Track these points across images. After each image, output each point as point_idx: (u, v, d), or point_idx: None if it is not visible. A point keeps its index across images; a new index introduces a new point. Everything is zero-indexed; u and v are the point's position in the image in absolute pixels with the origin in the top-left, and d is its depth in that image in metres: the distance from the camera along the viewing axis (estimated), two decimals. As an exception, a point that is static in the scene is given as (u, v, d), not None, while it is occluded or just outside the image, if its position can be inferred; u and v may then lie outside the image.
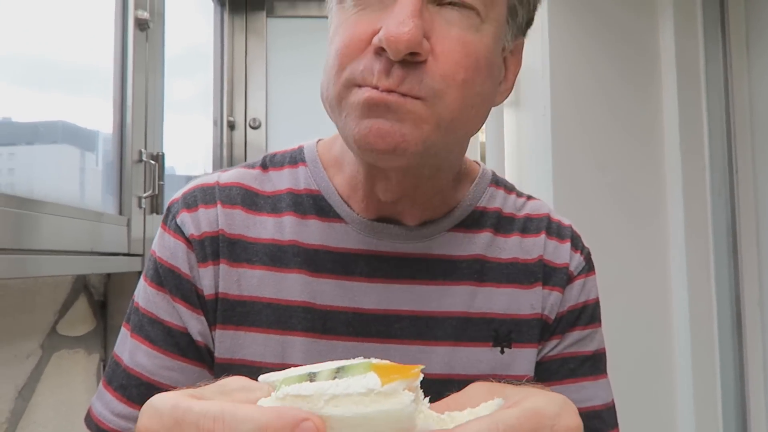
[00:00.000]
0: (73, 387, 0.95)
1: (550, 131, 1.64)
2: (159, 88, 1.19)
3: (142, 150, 1.11)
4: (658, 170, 1.72)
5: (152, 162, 1.12)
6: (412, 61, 0.46)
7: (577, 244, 0.62)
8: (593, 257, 0.64)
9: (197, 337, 0.55)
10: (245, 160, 1.93)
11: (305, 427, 0.26)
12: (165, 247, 0.57)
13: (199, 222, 0.56)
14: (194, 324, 0.55)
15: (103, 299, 1.07)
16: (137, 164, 1.10)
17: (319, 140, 0.63)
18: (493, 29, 0.49)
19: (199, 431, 0.27)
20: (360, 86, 0.47)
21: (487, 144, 1.84)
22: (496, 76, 0.53)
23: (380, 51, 0.46)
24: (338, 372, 0.29)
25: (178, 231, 0.56)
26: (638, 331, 1.66)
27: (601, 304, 0.63)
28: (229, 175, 0.60)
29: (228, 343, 0.54)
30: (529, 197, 0.65)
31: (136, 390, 0.54)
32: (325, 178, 0.59)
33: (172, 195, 0.61)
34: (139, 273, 0.60)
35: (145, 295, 0.56)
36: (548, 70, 1.64)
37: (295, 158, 0.62)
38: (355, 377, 0.28)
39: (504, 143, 1.83)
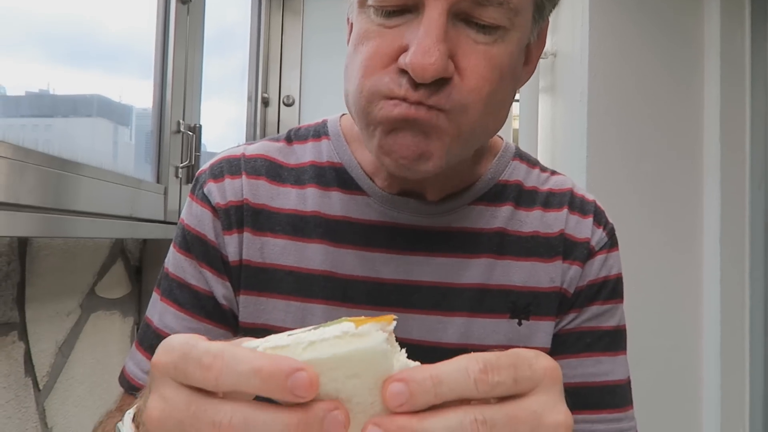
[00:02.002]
0: (109, 347, 0.99)
1: (585, 119, 1.61)
2: (198, 63, 1.21)
3: (180, 121, 1.13)
4: (696, 162, 1.68)
5: (189, 133, 1.15)
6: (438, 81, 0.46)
7: (600, 219, 0.62)
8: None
9: (222, 301, 0.57)
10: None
11: (298, 377, 0.26)
12: (192, 215, 0.59)
13: (225, 192, 0.58)
14: (219, 288, 0.57)
15: (138, 265, 1.11)
16: (175, 135, 1.12)
17: (343, 115, 0.64)
18: (519, 34, 0.49)
19: (200, 365, 0.28)
20: (387, 98, 0.47)
21: (520, 131, 1.82)
22: (519, 73, 0.53)
23: (406, 72, 0.46)
24: (315, 328, 0.30)
25: (205, 200, 0.58)
26: (668, 321, 1.64)
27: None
28: (254, 148, 0.62)
29: (251, 308, 0.57)
30: (553, 172, 0.65)
31: None
32: (347, 152, 0.60)
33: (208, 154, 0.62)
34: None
35: (174, 260, 0.59)
36: (586, 56, 1.61)
37: (318, 132, 0.63)
38: (330, 327, 0.29)
39: (538, 130, 1.81)
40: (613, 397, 0.59)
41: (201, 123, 1.19)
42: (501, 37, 0.47)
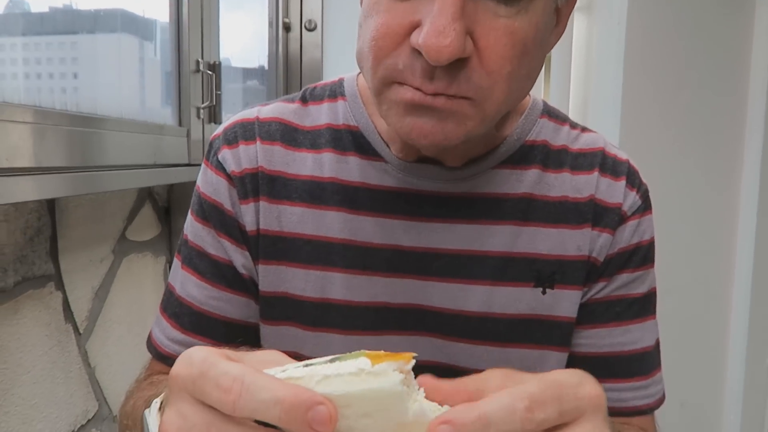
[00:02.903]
0: (143, 287, 1.03)
1: (623, 43, 1.52)
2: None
3: (199, 60, 1.11)
4: (741, 98, 1.59)
5: (209, 72, 1.12)
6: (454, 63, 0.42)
7: (633, 180, 0.59)
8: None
9: (242, 270, 0.57)
10: (300, 63, 1.90)
11: (319, 411, 0.26)
12: (208, 183, 0.58)
13: (240, 159, 0.57)
14: (239, 258, 0.57)
15: (166, 205, 1.13)
16: (195, 74, 1.10)
17: (360, 73, 0.61)
18: (543, 4, 0.45)
19: (218, 387, 0.28)
20: (401, 83, 0.45)
21: (553, 53, 1.74)
22: (548, 38, 0.49)
23: (419, 52, 0.42)
24: (332, 360, 0.29)
25: (220, 168, 0.57)
26: (698, 270, 1.63)
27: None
28: (268, 110, 0.60)
29: (271, 277, 0.57)
30: (584, 129, 0.61)
31: (188, 318, 0.57)
32: (364, 114, 0.58)
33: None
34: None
35: (192, 229, 0.59)
36: (627, -28, 1.50)
37: (334, 92, 0.61)
38: (347, 361, 0.28)
39: (572, 55, 1.72)
40: (641, 364, 0.58)
41: (220, 60, 1.17)
42: (524, 7, 0.43)
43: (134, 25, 1.05)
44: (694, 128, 1.58)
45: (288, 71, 1.86)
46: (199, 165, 1.16)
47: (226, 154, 0.57)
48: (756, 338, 1.62)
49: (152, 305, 1.06)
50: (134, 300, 1.00)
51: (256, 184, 0.56)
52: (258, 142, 0.57)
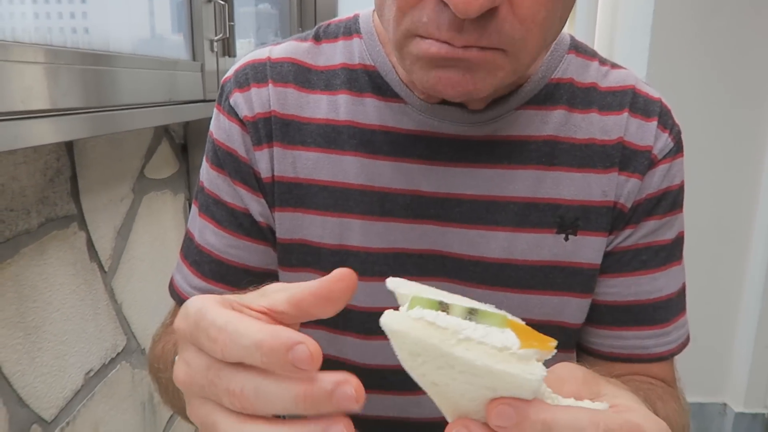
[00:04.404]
0: (164, 224, 1.04)
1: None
2: None
3: (211, -11, 1.06)
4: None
5: (221, 2, 1.08)
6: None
7: (666, 121, 0.56)
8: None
9: (259, 218, 0.56)
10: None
11: (299, 350, 0.26)
12: (221, 129, 0.56)
13: (252, 103, 0.55)
14: (255, 206, 0.56)
15: (183, 142, 1.12)
16: (207, 5, 1.06)
17: (375, 9, 0.58)
18: None
19: (209, 338, 0.28)
20: (423, 37, 0.42)
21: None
22: None
23: (445, 3, 0.39)
24: (471, 313, 0.28)
25: (232, 113, 0.56)
26: (720, 213, 1.60)
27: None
28: (280, 50, 0.57)
29: (287, 224, 0.56)
30: (614, 65, 0.58)
31: (208, 266, 0.58)
32: (381, 53, 0.55)
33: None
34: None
35: (208, 176, 0.58)
36: None
37: (350, 29, 0.58)
38: (492, 329, 0.27)
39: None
40: (666, 311, 0.58)
41: (232, -11, 1.12)
42: None
43: None
44: (724, 65, 1.51)
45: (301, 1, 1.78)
46: (214, 100, 1.14)
47: (237, 98, 0.56)
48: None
49: (173, 242, 1.07)
50: (156, 237, 1.01)
51: (270, 130, 0.55)
52: (270, 85, 0.55)
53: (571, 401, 0.29)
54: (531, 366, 0.26)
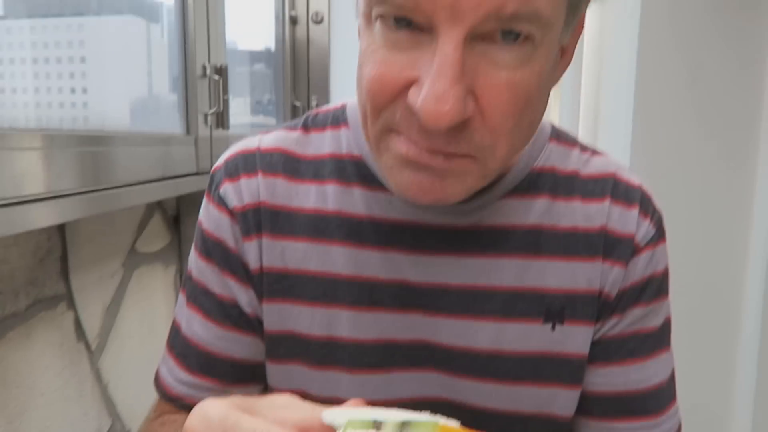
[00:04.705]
0: (154, 299, 1.03)
1: (636, 36, 1.49)
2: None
3: (206, 65, 1.09)
4: (757, 89, 1.56)
5: (216, 77, 1.10)
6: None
7: (647, 208, 0.56)
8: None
9: (247, 309, 0.55)
10: (308, 54, 1.87)
11: None
12: (210, 219, 0.56)
13: (242, 193, 0.55)
14: (243, 296, 0.55)
15: (176, 214, 1.12)
16: (201, 79, 1.08)
17: None
18: (547, 49, 0.42)
19: None
20: (398, 133, 0.43)
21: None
22: (552, 76, 0.46)
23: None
24: (403, 427, 0.29)
25: (222, 203, 0.56)
26: (712, 256, 1.61)
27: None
28: (270, 139, 0.58)
29: (276, 315, 0.55)
30: (594, 152, 0.59)
31: (195, 359, 0.56)
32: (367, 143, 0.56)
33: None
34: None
35: (196, 265, 0.57)
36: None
37: (337, 119, 0.58)
38: None
39: (583, 47, 1.69)
40: (657, 401, 0.57)
41: (227, 63, 1.15)
42: (528, 57, 0.40)
43: (140, 6, 1.02)
44: (708, 126, 1.55)
45: (295, 62, 1.83)
46: (207, 173, 1.14)
47: (227, 189, 0.56)
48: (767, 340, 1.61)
49: (163, 316, 1.05)
50: (145, 313, 0.99)
51: (259, 220, 0.55)
52: (260, 175, 0.56)
53: None
54: None
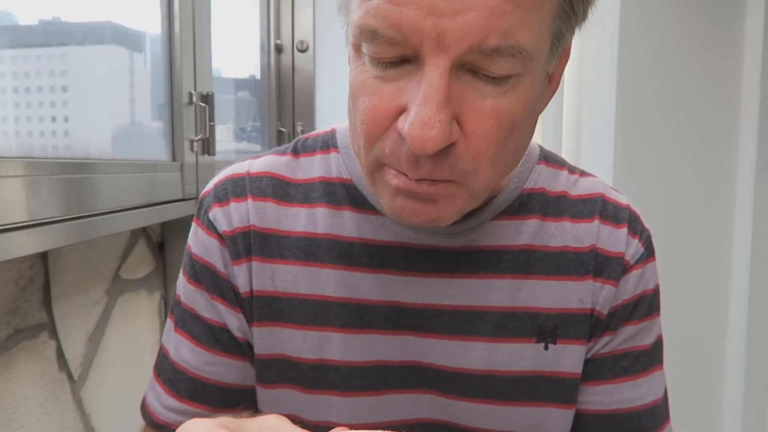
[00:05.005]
0: (138, 326, 1.01)
1: (616, 62, 1.53)
2: (206, 22, 1.15)
3: (192, 92, 1.09)
4: (734, 112, 1.59)
5: (202, 104, 1.11)
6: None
7: (635, 227, 0.58)
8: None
9: (237, 333, 0.55)
10: (293, 85, 1.89)
11: None
12: (199, 243, 0.56)
13: (231, 217, 0.55)
14: (233, 321, 0.55)
15: (161, 240, 1.11)
16: (188, 107, 1.09)
17: None
18: (534, 76, 0.43)
19: None
20: (389, 167, 0.45)
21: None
22: (539, 103, 0.47)
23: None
24: None
25: (211, 227, 0.56)
26: (697, 275, 1.63)
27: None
28: (259, 164, 0.58)
29: (266, 339, 0.55)
30: (582, 173, 0.60)
31: (183, 385, 0.56)
32: (358, 167, 0.56)
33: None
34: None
35: (185, 290, 0.57)
36: (619, -8, 1.50)
37: (327, 143, 0.59)
38: None
39: (564, 73, 1.72)
40: (652, 419, 0.57)
41: (213, 91, 1.15)
42: (513, 85, 0.41)
43: (123, 37, 1.03)
44: (688, 147, 1.59)
45: (280, 89, 1.85)
46: (193, 199, 1.14)
47: (216, 213, 0.56)
48: (754, 357, 1.62)
49: (147, 344, 1.04)
50: (129, 340, 0.98)
51: (248, 244, 0.55)
52: (249, 199, 0.56)
53: None
54: None
